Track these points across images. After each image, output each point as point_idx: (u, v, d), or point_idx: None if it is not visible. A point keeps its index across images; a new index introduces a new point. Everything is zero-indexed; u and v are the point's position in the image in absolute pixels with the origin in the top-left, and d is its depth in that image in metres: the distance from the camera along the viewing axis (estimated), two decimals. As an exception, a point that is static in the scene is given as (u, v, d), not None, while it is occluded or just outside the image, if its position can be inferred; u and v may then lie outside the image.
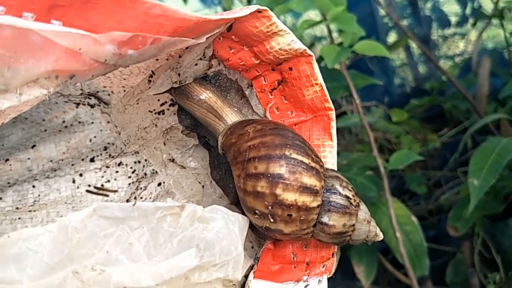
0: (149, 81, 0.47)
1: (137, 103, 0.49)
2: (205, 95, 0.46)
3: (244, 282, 0.45)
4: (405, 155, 1.10)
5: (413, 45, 2.01)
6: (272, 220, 0.42)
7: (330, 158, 0.49)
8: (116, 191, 0.59)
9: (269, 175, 0.41)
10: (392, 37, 2.10)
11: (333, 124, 0.50)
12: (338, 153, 1.32)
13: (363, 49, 1.04)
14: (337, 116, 1.40)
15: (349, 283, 1.32)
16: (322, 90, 0.49)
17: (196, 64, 0.45)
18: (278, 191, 0.41)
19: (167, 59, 0.46)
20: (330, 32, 1.09)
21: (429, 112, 1.72)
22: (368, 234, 0.45)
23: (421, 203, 1.41)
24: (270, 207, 0.41)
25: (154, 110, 0.51)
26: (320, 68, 1.11)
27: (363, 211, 0.45)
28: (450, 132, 1.50)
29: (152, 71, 0.46)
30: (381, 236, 0.46)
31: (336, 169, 0.49)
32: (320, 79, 0.48)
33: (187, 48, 0.43)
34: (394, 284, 1.31)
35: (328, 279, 0.45)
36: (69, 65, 0.32)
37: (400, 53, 2.22)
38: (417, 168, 1.48)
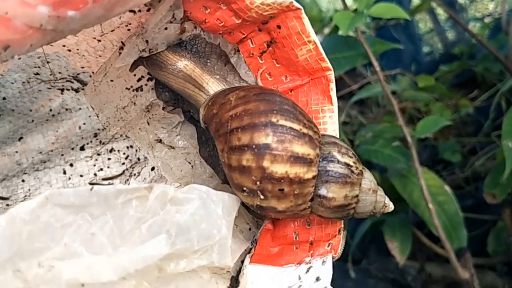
0: (120, 53, 0.42)
1: (112, 81, 0.45)
2: (181, 63, 0.42)
3: (240, 268, 0.40)
4: (433, 121, 1.03)
5: (439, 10, 1.91)
6: (262, 196, 0.37)
7: (330, 124, 0.44)
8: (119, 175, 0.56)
9: (254, 146, 0.36)
10: (416, 3, 2.01)
11: (332, 86, 0.44)
12: (364, 126, 1.26)
13: (380, 12, 0.97)
14: (361, 87, 1.34)
15: (384, 260, 1.27)
16: (317, 48, 0.43)
17: (166, 29, 0.40)
18: (266, 163, 0.36)
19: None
20: (343, -3, 1.02)
21: (460, 77, 1.63)
22: (375, 205, 0.39)
23: (456, 172, 1.34)
24: (258, 183, 0.36)
25: (131, 86, 0.46)
26: (336, 36, 1.05)
27: (368, 180, 0.39)
28: (483, 96, 1.41)
29: (122, 42, 0.42)
30: (391, 207, 0.40)
31: (338, 135, 0.43)
32: (313, 36, 0.43)
33: (148, 10, 0.38)
34: (433, 258, 1.25)
35: (336, 260, 0.40)
36: (-1, 33, 0.28)
37: (427, 21, 2.12)
38: (450, 136, 1.40)
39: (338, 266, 1.24)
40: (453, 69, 1.54)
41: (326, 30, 1.77)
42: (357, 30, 1.02)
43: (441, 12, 2.00)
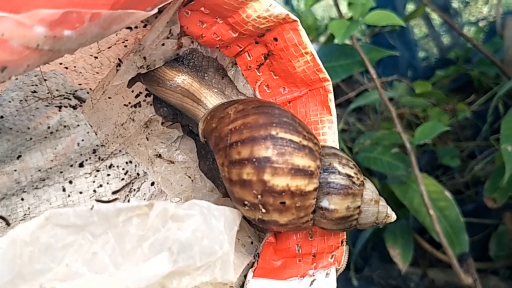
0: (117, 70, 0.42)
1: (110, 98, 0.45)
2: (178, 78, 0.41)
3: (244, 282, 0.40)
4: (431, 127, 1.03)
5: (434, 15, 1.92)
6: (264, 210, 0.37)
7: (330, 135, 0.44)
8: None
9: (254, 159, 0.36)
10: (410, 9, 2.02)
11: (331, 96, 0.44)
12: (362, 133, 1.26)
13: (375, 20, 0.98)
14: (358, 95, 1.34)
15: (387, 267, 1.26)
16: (314, 59, 0.43)
17: (163, 44, 0.40)
18: (267, 176, 0.35)
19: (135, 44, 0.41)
20: (337, 5, 1.03)
21: (457, 82, 1.64)
22: (377, 215, 0.39)
23: (456, 177, 1.33)
24: (259, 196, 0.36)
25: (130, 103, 0.46)
26: (332, 45, 1.05)
27: (370, 190, 0.39)
28: (480, 100, 1.41)
29: (119, 59, 0.42)
30: (393, 217, 0.40)
31: (337, 146, 0.43)
32: (310, 47, 0.43)
33: (145, 26, 0.38)
34: (435, 264, 1.25)
35: (340, 273, 0.39)
36: (-5, 55, 0.28)
37: (422, 26, 2.13)
38: (448, 141, 1.40)
39: (341, 274, 1.23)
40: (450, 73, 1.55)
41: (322, 39, 1.78)
42: (352, 38, 1.02)
43: (436, 17, 2.01)
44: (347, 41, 1.05)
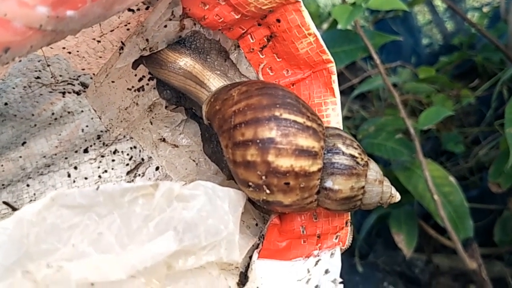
0: (120, 53, 0.42)
1: (113, 82, 0.45)
2: (180, 60, 0.41)
3: (249, 263, 0.40)
4: (435, 112, 1.03)
5: (437, 1, 1.91)
6: (268, 191, 0.37)
7: (333, 116, 0.44)
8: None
9: (258, 140, 0.36)
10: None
11: (334, 78, 0.44)
12: (365, 120, 1.26)
13: (378, 4, 0.97)
14: (362, 81, 1.33)
15: (392, 253, 1.27)
16: (317, 41, 0.43)
17: (165, 26, 0.40)
18: (271, 157, 0.35)
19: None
20: (340, -9, 1.02)
21: (461, 68, 1.63)
22: (382, 196, 0.39)
23: (460, 162, 1.33)
24: (264, 177, 0.36)
25: (133, 87, 0.46)
26: (335, 31, 1.05)
27: (374, 170, 0.39)
28: (484, 85, 1.41)
29: (122, 42, 0.42)
30: (398, 197, 0.40)
31: (341, 127, 0.43)
32: (313, 28, 0.43)
33: (147, 8, 0.38)
34: (440, 249, 1.25)
35: (344, 251, 0.40)
36: (-1, 36, 0.28)
37: (425, 12, 2.12)
38: (452, 127, 1.39)
39: (346, 260, 1.24)
40: (453, 60, 1.54)
41: (325, 26, 1.77)
42: (356, 24, 1.01)
43: (439, 4, 1.99)
44: (350, 27, 1.05)
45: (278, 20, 0.42)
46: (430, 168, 0.98)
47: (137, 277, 0.31)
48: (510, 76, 1.13)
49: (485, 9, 2.01)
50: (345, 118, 1.52)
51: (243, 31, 0.44)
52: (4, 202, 0.54)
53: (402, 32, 1.90)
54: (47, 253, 0.30)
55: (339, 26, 0.92)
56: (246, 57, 0.46)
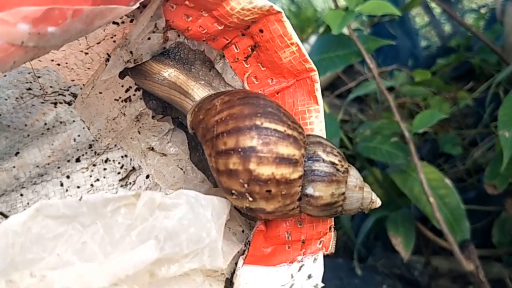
0: (106, 65, 0.43)
1: (100, 93, 0.46)
2: (164, 71, 0.42)
3: (234, 269, 0.41)
4: (430, 115, 1.03)
5: (434, 4, 1.91)
6: (251, 199, 0.37)
7: (317, 124, 0.44)
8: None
9: (240, 149, 0.36)
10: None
11: (317, 86, 0.45)
12: (362, 123, 1.26)
13: (370, 9, 0.98)
14: (358, 85, 1.33)
15: (390, 256, 1.27)
16: (300, 50, 0.44)
17: (149, 39, 0.41)
18: (252, 165, 0.36)
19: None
20: (333, -4, 1.03)
21: (458, 70, 1.63)
22: (362, 202, 0.40)
23: (458, 164, 1.34)
24: (246, 185, 0.37)
25: (120, 98, 0.47)
26: (329, 35, 1.05)
27: (354, 177, 0.40)
28: (481, 87, 1.41)
29: (108, 54, 0.43)
30: (378, 202, 0.41)
31: (324, 135, 0.44)
32: (295, 38, 0.44)
33: (131, 21, 0.39)
34: (439, 251, 1.25)
35: (325, 256, 0.40)
36: (-19, 53, 0.29)
37: (423, 15, 2.12)
38: (450, 129, 1.40)
39: (344, 264, 1.24)
40: (451, 62, 1.55)
41: (320, 30, 1.78)
42: (348, 28, 1.02)
43: (436, 6, 2.00)
44: (346, 31, 1.05)
45: (261, 31, 0.43)
46: (425, 170, 0.98)
47: (120, 285, 0.32)
48: (506, 77, 1.13)
49: (482, 11, 2.01)
50: (342, 122, 1.52)
51: (228, 42, 0.45)
52: None
53: (399, 35, 1.90)
54: (32, 262, 0.31)
55: (333, 32, 0.93)
56: (231, 67, 0.47)
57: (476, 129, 1.38)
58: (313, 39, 1.77)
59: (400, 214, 1.12)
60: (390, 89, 1.36)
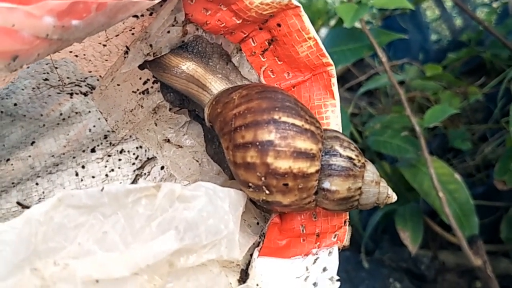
0: (125, 57, 0.43)
1: (118, 85, 0.46)
2: (182, 64, 0.43)
3: (249, 261, 0.41)
4: (441, 110, 1.03)
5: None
6: (267, 192, 0.38)
7: (333, 118, 0.45)
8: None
9: (257, 143, 0.37)
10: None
11: (334, 80, 0.45)
12: (373, 117, 1.26)
13: (383, 3, 0.97)
14: (369, 78, 1.33)
15: (397, 250, 1.27)
16: (317, 44, 0.44)
17: (168, 32, 0.41)
18: (270, 159, 0.37)
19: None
20: (346, -11, 1.03)
21: (469, 64, 1.62)
22: (378, 196, 0.40)
23: (467, 159, 1.33)
24: (263, 178, 0.37)
25: (138, 90, 0.48)
26: (341, 29, 1.05)
27: (370, 172, 0.40)
28: (492, 82, 1.40)
29: (127, 46, 0.43)
30: (394, 197, 0.41)
31: (340, 129, 0.44)
32: (313, 32, 0.44)
33: (151, 14, 0.39)
34: (446, 246, 1.25)
35: (340, 250, 0.41)
36: (6, 45, 0.29)
37: (434, 8, 2.11)
38: (460, 124, 1.39)
39: (352, 257, 1.25)
40: (461, 56, 1.54)
41: (332, 22, 1.77)
42: (361, 22, 1.02)
43: (448, -1, 1.98)
44: (357, 24, 1.05)
45: (279, 25, 0.43)
46: (435, 165, 0.98)
47: (140, 274, 0.32)
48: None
49: (494, 5, 2.00)
50: (352, 115, 1.52)
51: (245, 35, 0.45)
52: (18, 203, 0.56)
53: (410, 29, 1.89)
54: (54, 251, 0.31)
55: (345, 25, 0.93)
56: (248, 60, 0.47)
57: (486, 124, 1.38)
58: (323, 31, 1.77)
59: (408, 208, 1.12)
60: (401, 83, 1.35)
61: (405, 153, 1.05)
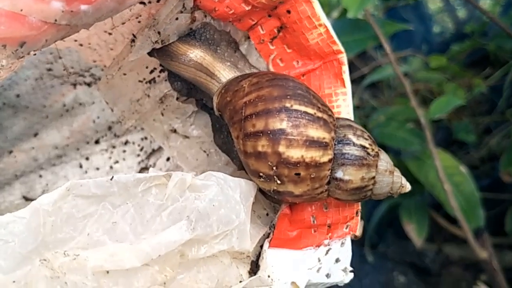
0: (131, 46, 0.42)
1: (125, 74, 0.45)
2: (190, 52, 0.42)
3: (260, 252, 0.40)
4: (447, 101, 1.02)
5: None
6: (279, 181, 0.37)
7: (344, 107, 0.44)
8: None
9: (269, 131, 0.36)
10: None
11: (345, 68, 0.44)
12: (375, 110, 1.25)
13: (388, -7, 0.96)
14: (372, 70, 1.32)
15: (402, 243, 1.27)
16: (328, 32, 0.43)
17: (177, 19, 0.40)
18: (281, 148, 0.36)
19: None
20: (350, -20, 1.01)
21: (472, 56, 1.61)
22: (392, 186, 0.39)
23: (472, 152, 1.33)
24: (274, 168, 0.36)
25: (144, 79, 0.47)
26: (345, 19, 1.04)
27: (384, 161, 0.39)
28: (496, 74, 1.39)
29: (133, 34, 0.42)
30: (408, 187, 0.40)
31: (352, 118, 0.43)
32: (324, 19, 0.43)
33: (158, 1, 0.38)
34: (451, 239, 1.25)
35: (352, 241, 0.40)
36: (14, 30, 0.28)
37: (437, 1, 2.10)
38: (464, 116, 1.39)
39: (356, 250, 1.24)
40: (465, 48, 1.52)
41: (334, 14, 1.76)
42: (366, 12, 1.01)
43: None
44: (360, 16, 1.04)
45: (289, 11, 0.42)
46: (441, 157, 0.98)
47: (151, 265, 0.32)
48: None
49: (498, -4, 1.98)
50: (355, 108, 1.51)
51: (253, 23, 0.44)
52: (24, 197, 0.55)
53: (413, 20, 1.88)
54: (63, 241, 0.31)
55: (349, 15, 0.92)
56: (256, 48, 0.46)
57: (491, 116, 1.37)
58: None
59: (413, 201, 1.12)
60: (404, 74, 1.34)
61: (410, 145, 1.04)
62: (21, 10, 0.28)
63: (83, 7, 0.30)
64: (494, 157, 1.28)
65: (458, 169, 1.01)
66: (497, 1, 1.86)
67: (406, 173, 1.07)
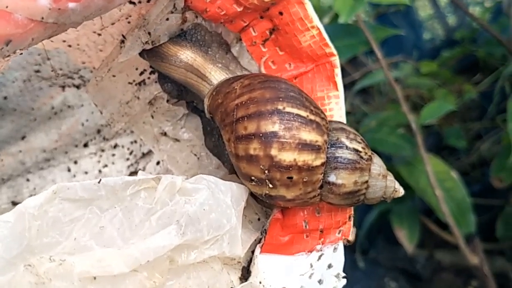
0: (121, 47, 0.41)
1: (114, 76, 0.44)
2: (181, 53, 0.41)
3: (251, 258, 0.40)
4: (438, 107, 1.02)
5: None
6: (271, 185, 0.36)
7: (337, 110, 0.43)
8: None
9: (261, 134, 0.35)
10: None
11: (337, 71, 0.44)
12: (366, 116, 1.25)
13: (379, -2, 0.97)
14: (363, 76, 1.32)
15: (393, 249, 1.26)
16: (320, 34, 0.43)
17: (167, 19, 0.39)
18: (274, 151, 0.35)
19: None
20: (342, -15, 1.01)
21: (462, 62, 1.62)
22: (385, 190, 0.39)
23: (462, 157, 1.33)
24: (266, 171, 0.36)
25: (134, 81, 0.46)
26: (336, 25, 1.04)
27: (377, 165, 0.38)
28: (486, 80, 1.40)
29: (123, 35, 0.41)
30: (401, 191, 0.40)
31: (345, 121, 0.43)
32: (316, 21, 0.42)
33: (149, 1, 0.37)
34: (442, 245, 1.24)
35: (344, 246, 0.39)
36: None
37: (427, 7, 2.11)
38: (454, 122, 1.39)
39: (347, 256, 1.23)
40: (455, 54, 1.53)
41: (326, 20, 1.76)
42: (357, 17, 1.01)
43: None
44: (351, 21, 1.04)
45: (281, 13, 0.42)
46: (432, 163, 0.97)
47: (140, 271, 0.31)
48: (512, 70, 1.12)
49: (487, 4, 2.00)
50: (346, 113, 1.51)
51: (245, 24, 0.44)
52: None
53: (403, 27, 1.89)
54: (49, 246, 0.30)
55: (341, 20, 0.92)
56: (248, 51, 0.45)
57: (481, 122, 1.37)
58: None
59: (404, 206, 1.12)
60: (395, 80, 1.34)
61: (401, 150, 1.04)
62: (7, 7, 0.27)
63: (71, 4, 0.29)
64: (484, 163, 1.28)
65: (449, 175, 1.01)
66: (486, 8, 1.88)
67: (397, 179, 1.07)
